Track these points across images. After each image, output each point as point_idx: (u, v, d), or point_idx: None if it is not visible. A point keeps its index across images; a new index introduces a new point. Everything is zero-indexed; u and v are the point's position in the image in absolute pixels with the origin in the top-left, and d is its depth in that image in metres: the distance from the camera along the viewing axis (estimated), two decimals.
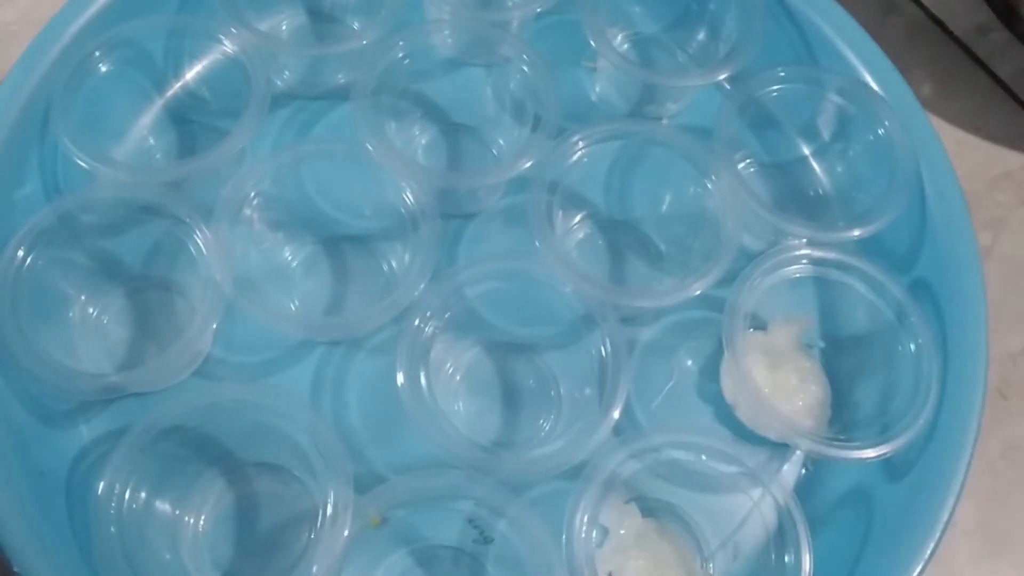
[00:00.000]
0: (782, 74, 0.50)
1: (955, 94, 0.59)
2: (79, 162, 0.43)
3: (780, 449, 0.46)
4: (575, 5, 0.50)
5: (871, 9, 0.61)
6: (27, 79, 0.45)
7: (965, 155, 0.57)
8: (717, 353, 0.48)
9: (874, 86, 0.50)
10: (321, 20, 0.54)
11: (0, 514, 0.37)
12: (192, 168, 0.45)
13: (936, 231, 0.47)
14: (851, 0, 0.53)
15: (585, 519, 0.39)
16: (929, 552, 0.40)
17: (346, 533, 0.37)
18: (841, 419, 0.46)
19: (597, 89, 0.55)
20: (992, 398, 0.49)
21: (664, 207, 0.50)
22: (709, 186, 0.47)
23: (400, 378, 0.41)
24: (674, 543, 0.43)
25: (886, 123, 0.48)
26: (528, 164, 0.45)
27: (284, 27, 0.54)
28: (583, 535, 0.39)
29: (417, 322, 0.42)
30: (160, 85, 0.50)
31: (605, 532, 0.42)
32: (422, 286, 0.42)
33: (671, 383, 0.48)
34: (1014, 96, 0.59)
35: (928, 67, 0.60)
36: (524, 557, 0.40)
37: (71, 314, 0.44)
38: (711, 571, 0.43)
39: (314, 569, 0.37)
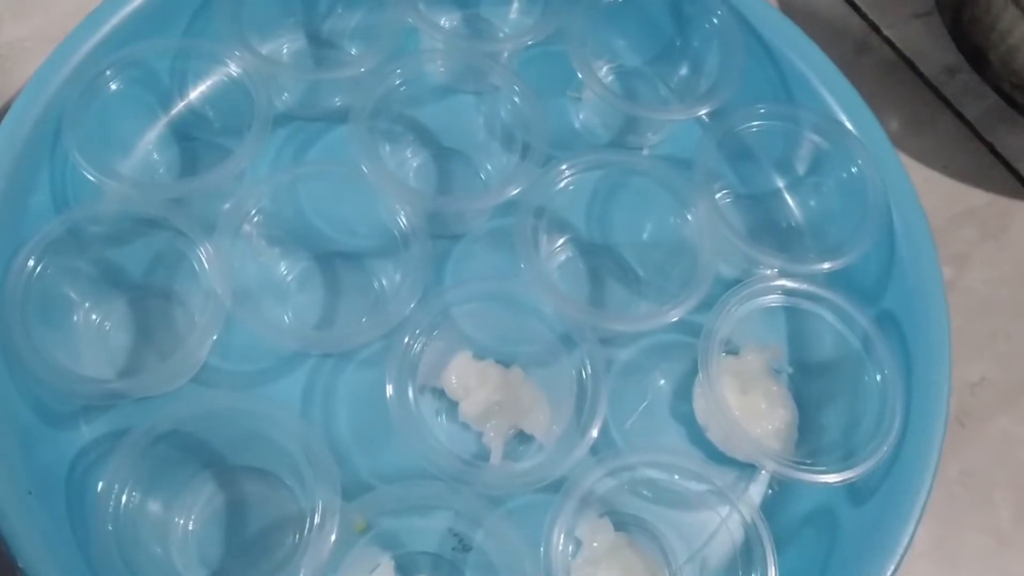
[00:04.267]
0: (761, 110, 0.52)
1: (923, 132, 0.62)
2: (87, 175, 0.45)
3: (748, 469, 0.48)
4: (562, 37, 0.52)
5: (844, 48, 0.64)
6: (40, 95, 0.46)
7: (931, 191, 0.59)
8: (690, 375, 0.50)
9: (847, 124, 0.53)
10: (320, 45, 0.56)
11: (4, 511, 0.39)
12: (195, 186, 0.46)
13: (904, 266, 0.49)
14: (824, 39, 0.55)
15: (562, 533, 0.41)
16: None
17: (333, 538, 0.39)
18: (808, 443, 0.48)
19: (581, 118, 0.57)
20: (951, 426, 0.51)
21: (644, 234, 0.53)
22: (687, 216, 0.49)
23: (389, 391, 0.43)
24: (644, 556, 0.44)
25: (859, 160, 0.51)
26: (516, 191, 0.47)
27: (285, 50, 0.56)
28: (560, 548, 0.41)
29: (407, 339, 0.44)
30: (166, 103, 0.52)
31: (579, 544, 0.44)
32: (412, 305, 0.44)
33: (645, 403, 0.49)
34: (979, 136, 0.62)
35: (897, 106, 0.63)
36: (500, 566, 0.42)
37: (75, 320, 0.46)
38: None
39: (301, 573, 0.39)
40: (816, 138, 0.52)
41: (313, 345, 0.48)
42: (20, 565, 0.38)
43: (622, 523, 0.45)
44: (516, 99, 0.50)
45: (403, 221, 0.47)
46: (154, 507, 0.42)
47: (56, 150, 0.47)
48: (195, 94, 0.53)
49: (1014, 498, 0.51)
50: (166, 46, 0.50)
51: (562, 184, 0.49)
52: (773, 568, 0.42)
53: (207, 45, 0.50)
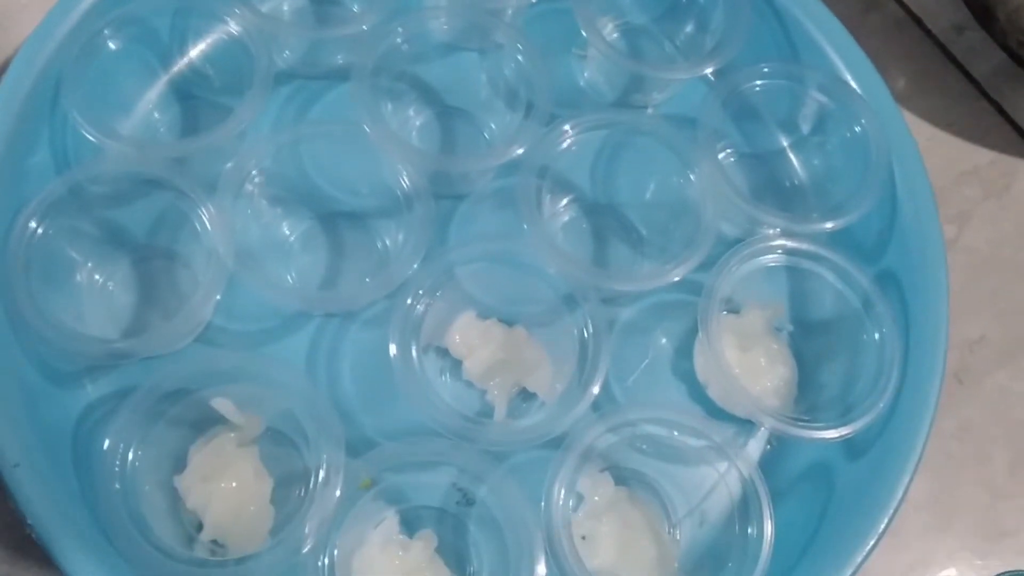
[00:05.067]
0: (766, 69, 0.52)
1: (929, 91, 0.61)
2: (87, 135, 0.45)
3: (747, 425, 0.49)
4: None
5: (852, 5, 0.63)
6: (39, 53, 0.46)
7: (935, 150, 0.59)
8: (691, 333, 0.50)
9: (852, 83, 0.52)
10: (321, 1, 0.56)
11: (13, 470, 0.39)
12: (196, 145, 0.46)
13: (905, 226, 0.50)
14: None
15: (563, 487, 0.42)
16: (883, 527, 0.43)
17: (337, 494, 0.40)
18: (806, 400, 0.48)
19: (586, 76, 0.57)
20: (949, 382, 0.52)
21: (647, 194, 0.53)
22: (691, 175, 0.49)
23: (392, 350, 0.44)
24: (644, 510, 0.45)
25: (863, 120, 0.51)
26: (520, 151, 0.47)
27: (286, 7, 0.55)
28: (561, 502, 0.42)
29: (410, 300, 0.45)
30: (166, 62, 0.52)
31: (580, 498, 0.45)
32: (415, 265, 0.45)
33: (647, 361, 0.50)
34: (985, 94, 0.62)
35: (904, 63, 0.62)
36: (503, 519, 0.42)
37: (79, 281, 0.46)
38: (678, 537, 0.46)
39: (307, 527, 0.39)
40: (821, 97, 0.52)
41: (316, 305, 0.48)
42: (29, 522, 0.38)
43: (623, 478, 0.46)
44: (520, 57, 0.50)
45: (406, 181, 0.47)
46: (159, 465, 0.42)
47: (56, 109, 0.47)
48: (195, 52, 0.53)
49: (1009, 453, 0.52)
50: (166, 3, 0.50)
51: (565, 144, 0.49)
52: (769, 522, 0.42)
53: (207, 2, 0.50)
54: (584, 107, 0.55)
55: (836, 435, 0.44)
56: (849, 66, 0.53)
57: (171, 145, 0.49)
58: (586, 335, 0.45)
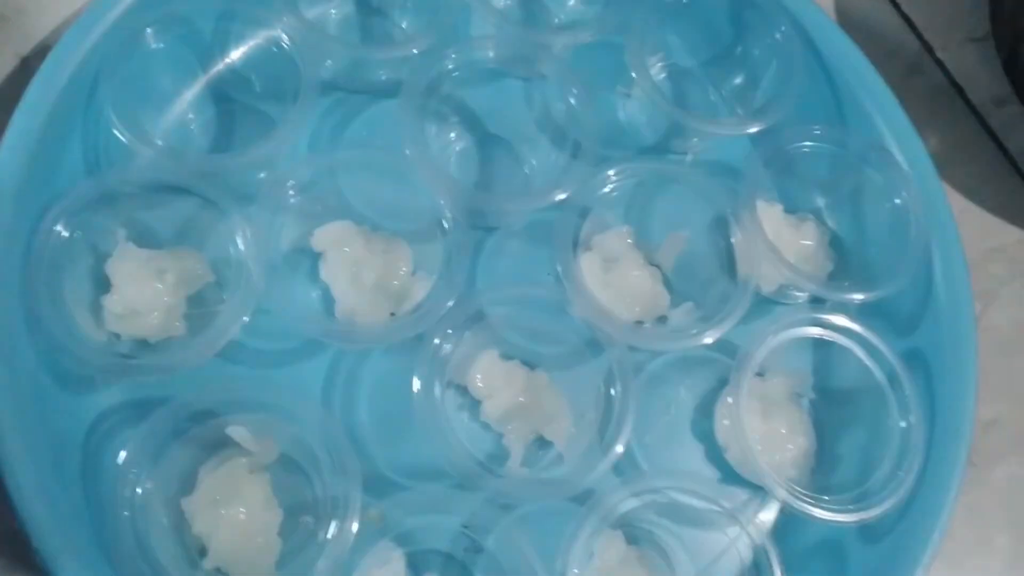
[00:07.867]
0: (816, 132, 0.51)
1: (963, 162, 0.61)
2: (119, 136, 0.43)
3: (762, 491, 0.48)
4: (619, 30, 0.51)
5: (897, 68, 0.62)
6: (79, 46, 0.45)
7: (964, 224, 0.57)
8: (714, 392, 0.50)
9: (896, 152, 0.52)
10: (369, 12, 0.54)
11: (20, 481, 0.38)
12: (234, 162, 0.45)
13: (938, 306, 0.49)
14: (878, 57, 0.54)
15: (581, 547, 0.42)
16: None
17: (352, 537, 0.39)
18: (824, 474, 0.48)
19: (627, 114, 0.56)
20: None
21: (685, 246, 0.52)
22: (731, 235, 0.49)
23: (416, 386, 0.43)
24: (653, 571, 0.45)
25: (904, 194, 0.50)
26: (564, 195, 0.46)
27: (332, 14, 0.53)
28: (577, 560, 0.41)
29: (438, 340, 0.44)
30: (206, 63, 0.50)
31: (590, 555, 0.44)
32: (450, 304, 0.44)
33: (667, 417, 0.49)
34: (1019, 171, 0.61)
35: (941, 131, 0.62)
36: (509, 569, 0.42)
37: (101, 285, 0.44)
38: None
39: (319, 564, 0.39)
40: (865, 167, 0.52)
41: (342, 339, 0.46)
42: (34, 545, 0.37)
43: (634, 536, 0.45)
44: (572, 99, 0.49)
45: (445, 215, 0.46)
46: (168, 484, 0.41)
47: (91, 104, 0.45)
48: (237, 56, 0.51)
49: (1013, 541, 0.52)
50: (212, 5, 0.49)
51: (607, 189, 0.48)
52: None
53: (253, 8, 0.49)
54: (622, 147, 0.54)
55: (853, 519, 0.43)
56: (895, 135, 0.53)
57: (206, 159, 0.48)
58: (613, 393, 0.45)
